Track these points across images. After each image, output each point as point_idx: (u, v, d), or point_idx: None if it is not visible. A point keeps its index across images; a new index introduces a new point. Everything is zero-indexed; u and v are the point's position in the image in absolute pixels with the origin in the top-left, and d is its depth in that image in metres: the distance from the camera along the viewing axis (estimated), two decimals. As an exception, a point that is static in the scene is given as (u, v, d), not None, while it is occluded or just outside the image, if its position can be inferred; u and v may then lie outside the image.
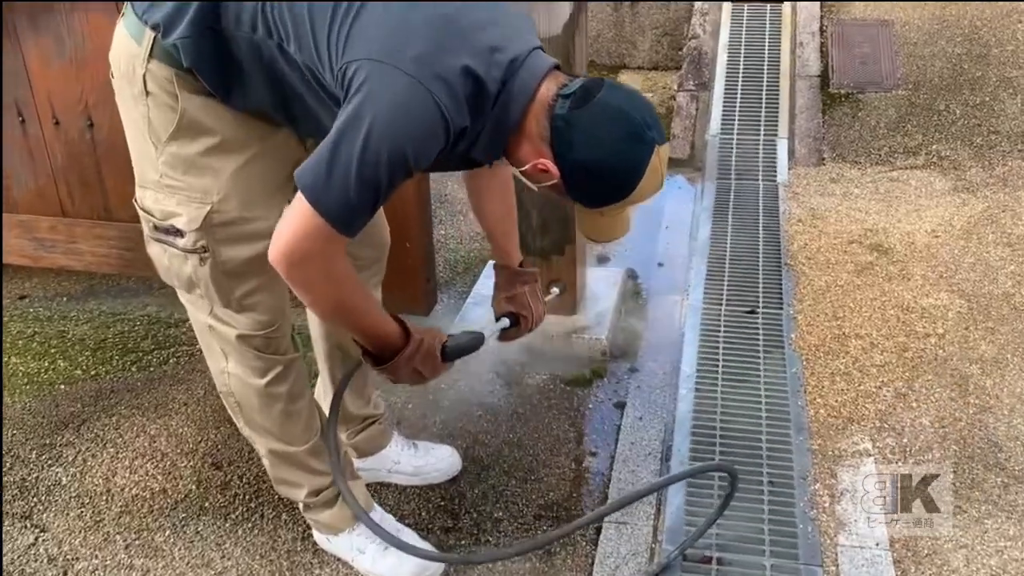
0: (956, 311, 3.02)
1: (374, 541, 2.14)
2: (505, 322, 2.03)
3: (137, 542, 2.31)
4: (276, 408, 1.98)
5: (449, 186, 4.11)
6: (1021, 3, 4.80)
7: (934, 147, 4.12)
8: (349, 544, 2.17)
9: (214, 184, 1.71)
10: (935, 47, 4.62)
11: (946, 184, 3.87)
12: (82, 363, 3.04)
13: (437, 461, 2.46)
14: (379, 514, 2.19)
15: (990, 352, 2.83)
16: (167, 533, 2.33)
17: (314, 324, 2.24)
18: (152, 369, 2.99)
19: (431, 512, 2.38)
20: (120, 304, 3.39)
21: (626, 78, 5.30)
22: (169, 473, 2.53)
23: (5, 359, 3.05)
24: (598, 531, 2.28)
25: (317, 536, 2.22)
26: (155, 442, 2.65)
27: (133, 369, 3.00)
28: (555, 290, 2.44)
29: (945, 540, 2.19)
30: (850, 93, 4.47)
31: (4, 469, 2.54)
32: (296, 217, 1.46)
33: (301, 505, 2.17)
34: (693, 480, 2.37)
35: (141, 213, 1.80)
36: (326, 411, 2.09)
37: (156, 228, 1.77)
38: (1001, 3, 4.83)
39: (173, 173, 1.71)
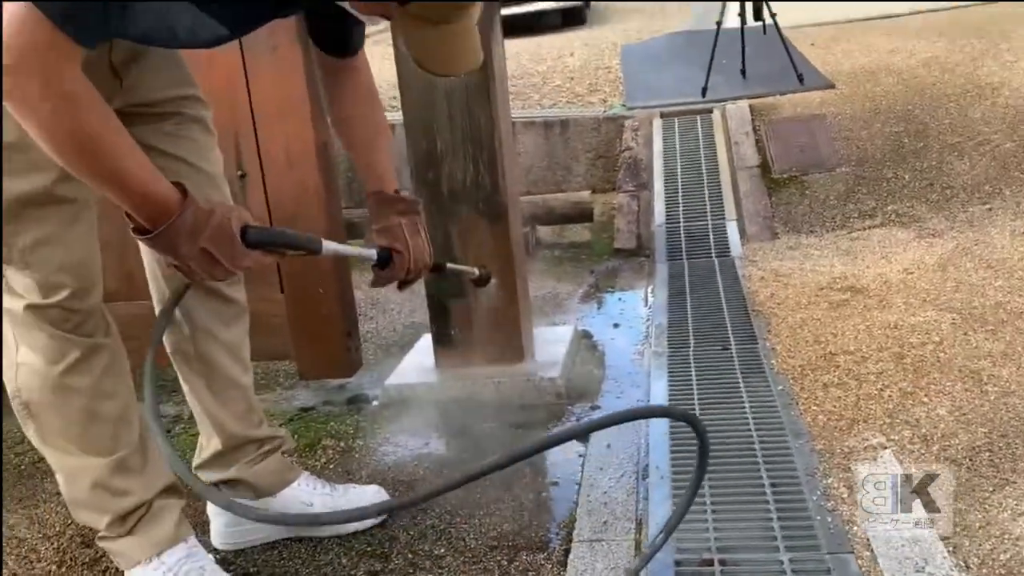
0: (949, 323, 2.68)
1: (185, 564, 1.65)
2: (372, 252, 1.61)
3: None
4: (74, 405, 1.55)
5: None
6: (947, 86, 4.82)
7: (890, 208, 3.92)
8: None
9: None
10: (871, 129, 4.54)
11: (909, 235, 3.63)
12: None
13: (361, 501, 1.96)
14: (187, 547, 1.68)
15: (997, 348, 2.47)
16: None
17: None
18: (24, 468, 2.49)
19: (353, 559, 1.87)
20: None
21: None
22: (25, 558, 2.00)
23: None
24: (567, 552, 1.80)
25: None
26: (13, 531, 2.13)
27: (-1, 470, 2.49)
28: (478, 270, 1.91)
29: (999, 511, 1.75)
30: (794, 176, 4.31)
31: None
32: (6, 9, 1.10)
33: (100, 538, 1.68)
34: (679, 490, 1.92)
35: None
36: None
37: None
38: (930, 91, 4.84)
39: None
